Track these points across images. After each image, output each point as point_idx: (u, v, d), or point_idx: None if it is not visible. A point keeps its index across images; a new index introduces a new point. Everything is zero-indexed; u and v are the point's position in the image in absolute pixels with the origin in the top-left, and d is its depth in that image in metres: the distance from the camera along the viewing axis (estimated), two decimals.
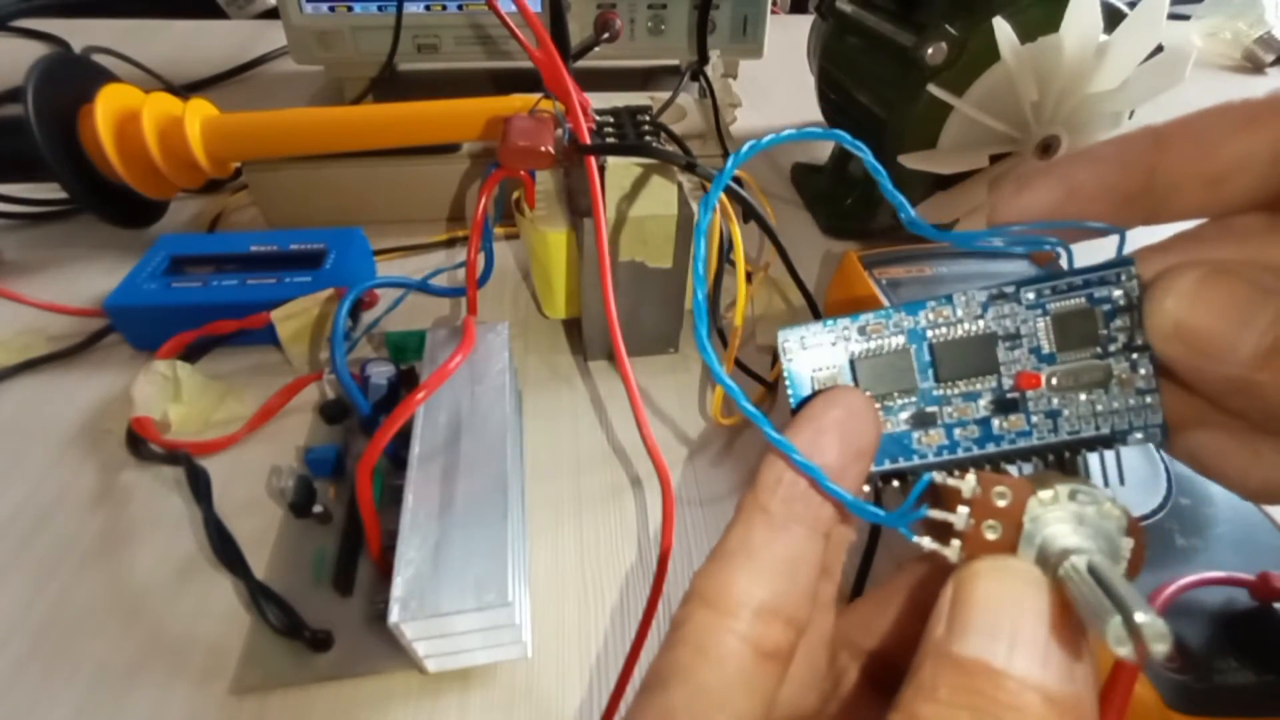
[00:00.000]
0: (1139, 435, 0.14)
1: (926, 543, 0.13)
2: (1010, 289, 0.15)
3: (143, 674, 0.22)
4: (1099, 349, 0.14)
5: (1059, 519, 0.12)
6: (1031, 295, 0.15)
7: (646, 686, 0.11)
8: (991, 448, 0.15)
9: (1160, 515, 0.22)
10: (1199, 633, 0.19)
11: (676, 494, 0.26)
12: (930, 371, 0.15)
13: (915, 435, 0.15)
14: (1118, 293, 0.14)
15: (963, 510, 0.12)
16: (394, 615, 0.18)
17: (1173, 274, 0.13)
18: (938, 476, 0.13)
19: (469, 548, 0.20)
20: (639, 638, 0.22)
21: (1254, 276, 0.12)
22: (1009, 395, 0.15)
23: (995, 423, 0.15)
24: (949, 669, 0.10)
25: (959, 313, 0.15)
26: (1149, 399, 0.14)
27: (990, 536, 0.12)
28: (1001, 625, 0.11)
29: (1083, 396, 0.14)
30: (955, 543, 0.12)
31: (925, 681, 0.11)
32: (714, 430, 0.30)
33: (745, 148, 0.15)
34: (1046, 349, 0.15)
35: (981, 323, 0.15)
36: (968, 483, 0.12)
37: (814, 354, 0.15)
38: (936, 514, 0.13)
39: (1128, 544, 0.12)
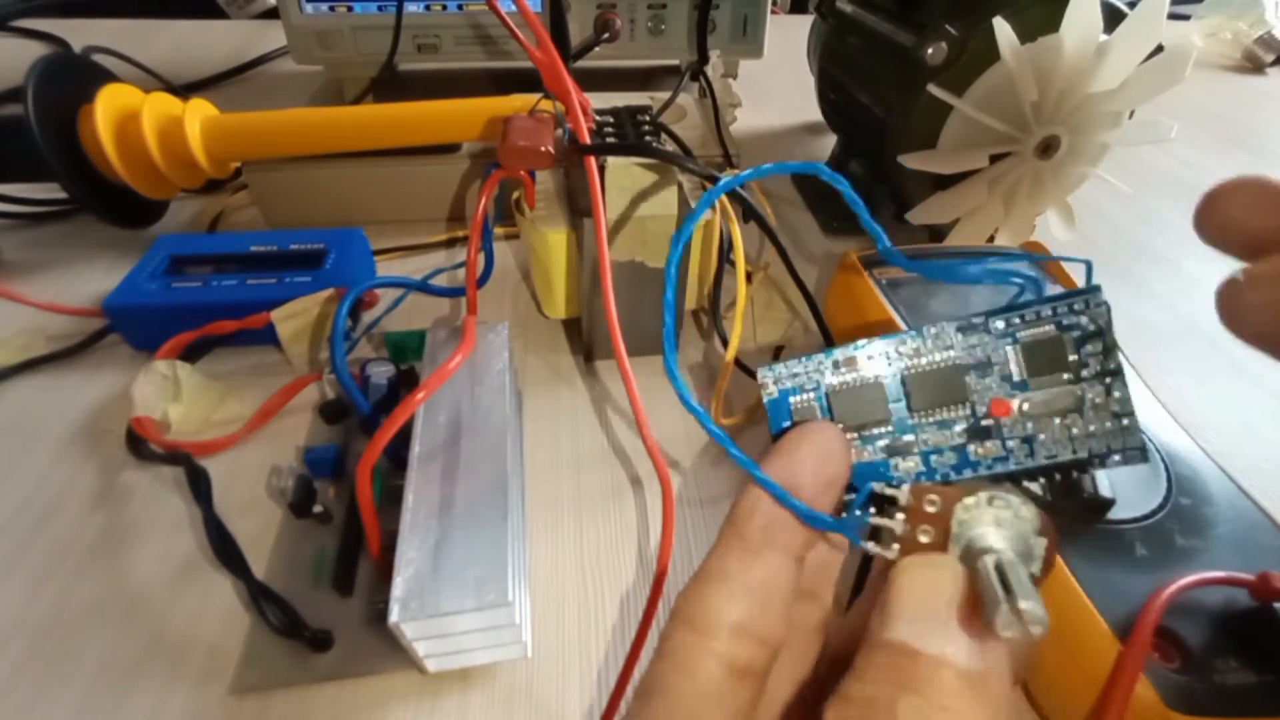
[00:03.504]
0: (1117, 458, 0.15)
1: (871, 547, 0.14)
2: (979, 320, 0.15)
3: (143, 674, 0.22)
4: (1070, 375, 0.15)
5: (981, 522, 0.13)
6: (1001, 324, 0.15)
7: (636, 696, 0.13)
8: (969, 473, 0.15)
9: (1160, 515, 0.22)
10: (1199, 633, 0.19)
11: (676, 494, 0.26)
12: (903, 402, 0.16)
13: (893, 463, 0.16)
14: (1085, 320, 0.15)
15: (900, 516, 0.14)
16: (394, 615, 0.18)
17: None
18: (877, 486, 0.14)
19: (469, 548, 0.20)
20: (639, 638, 0.22)
21: None
22: (983, 423, 0.15)
23: (971, 449, 0.15)
24: (878, 652, 0.12)
25: (929, 344, 0.16)
26: (1125, 422, 0.15)
27: (923, 539, 0.13)
28: (918, 610, 0.12)
29: (1057, 422, 0.15)
30: (895, 546, 0.14)
31: (858, 666, 0.12)
32: None
33: (722, 181, 0.16)
34: (1018, 376, 0.15)
35: (951, 353, 0.16)
36: (903, 491, 0.14)
37: (791, 388, 0.16)
38: (877, 520, 0.14)
39: (1041, 543, 0.13)
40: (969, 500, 0.13)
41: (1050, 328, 0.15)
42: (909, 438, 0.15)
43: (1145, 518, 0.22)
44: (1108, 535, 0.21)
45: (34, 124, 0.33)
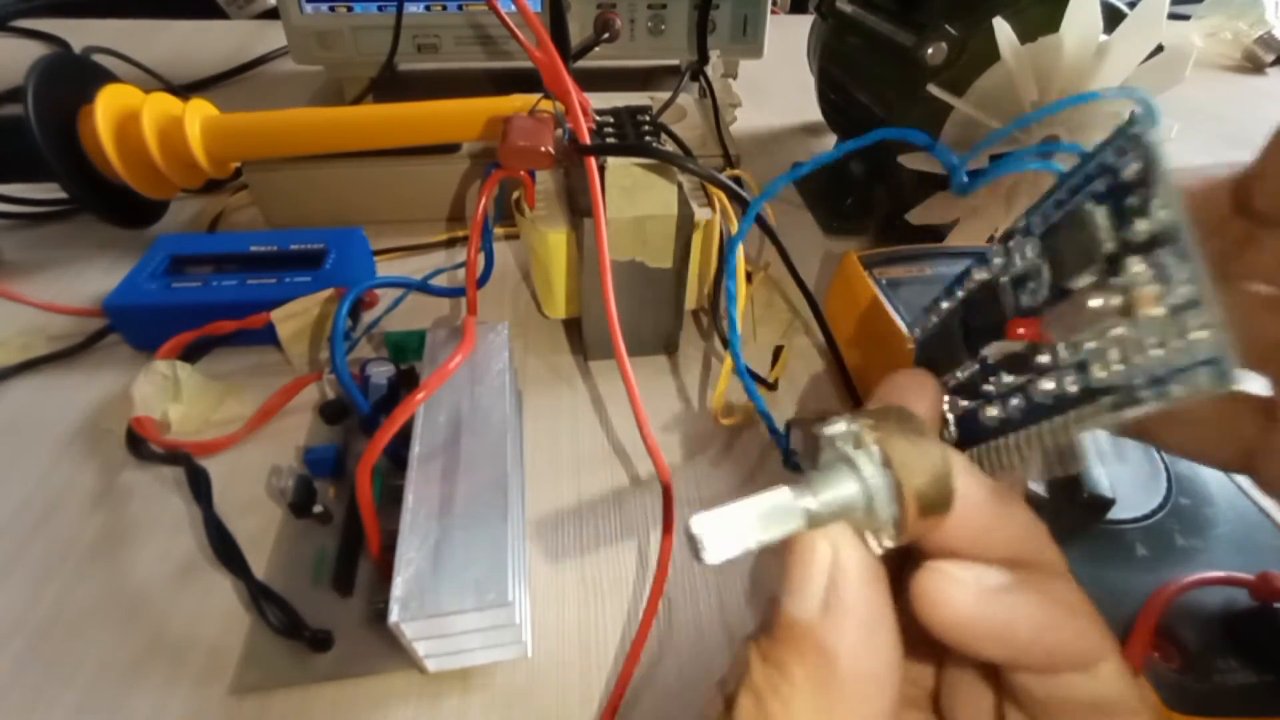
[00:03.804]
0: (1171, 386, 0.09)
1: None
2: (1022, 221, 0.12)
3: (143, 674, 0.22)
4: (1101, 263, 0.10)
5: (832, 458, 0.11)
6: (1036, 217, 0.12)
7: None
8: (1041, 416, 0.12)
9: (1160, 515, 0.22)
10: (1199, 633, 0.19)
11: (676, 494, 0.26)
12: (971, 340, 0.13)
13: (980, 411, 0.13)
14: (1120, 172, 0.10)
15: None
16: (394, 615, 0.18)
17: None
18: (794, 425, 0.13)
19: (469, 548, 0.20)
20: (639, 638, 0.22)
21: None
22: (1028, 354, 0.12)
23: (1035, 387, 0.12)
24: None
25: (980, 268, 0.13)
26: (1192, 320, 0.09)
27: None
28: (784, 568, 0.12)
29: (1092, 340, 0.10)
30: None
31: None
32: (714, 430, 0.30)
33: (797, 170, 0.16)
34: (1052, 282, 0.11)
35: (988, 270, 0.13)
36: (794, 432, 0.13)
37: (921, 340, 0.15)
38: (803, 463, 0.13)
39: (882, 475, 0.11)
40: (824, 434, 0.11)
41: (1082, 200, 0.11)
42: (988, 380, 0.13)
43: (1145, 518, 0.22)
44: (1108, 535, 0.21)
45: (34, 124, 0.33)
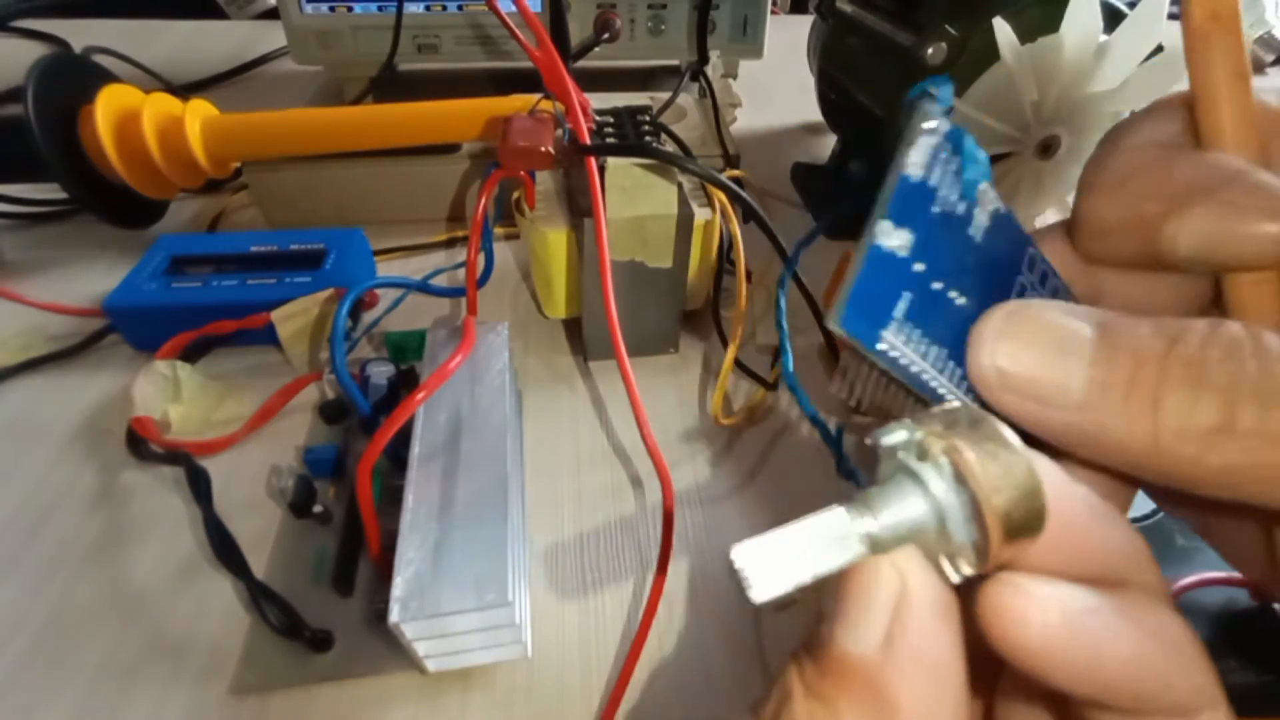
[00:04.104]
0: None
1: None
2: None
3: (143, 674, 0.22)
4: None
5: (889, 473, 0.10)
6: None
7: None
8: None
9: (1160, 515, 0.22)
10: (1199, 633, 0.19)
11: (677, 494, 0.26)
12: None
13: None
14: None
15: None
16: (394, 615, 0.18)
17: (978, 323, 0.11)
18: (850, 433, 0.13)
19: (469, 548, 0.20)
20: (639, 638, 0.22)
21: (1061, 305, 0.11)
22: None
23: None
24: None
25: None
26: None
27: None
28: (839, 590, 0.10)
29: None
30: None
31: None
32: (714, 430, 0.30)
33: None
34: None
35: None
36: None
37: None
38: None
39: (955, 493, 0.09)
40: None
41: None
42: None
43: (1145, 518, 0.22)
44: None
45: (34, 124, 0.33)
